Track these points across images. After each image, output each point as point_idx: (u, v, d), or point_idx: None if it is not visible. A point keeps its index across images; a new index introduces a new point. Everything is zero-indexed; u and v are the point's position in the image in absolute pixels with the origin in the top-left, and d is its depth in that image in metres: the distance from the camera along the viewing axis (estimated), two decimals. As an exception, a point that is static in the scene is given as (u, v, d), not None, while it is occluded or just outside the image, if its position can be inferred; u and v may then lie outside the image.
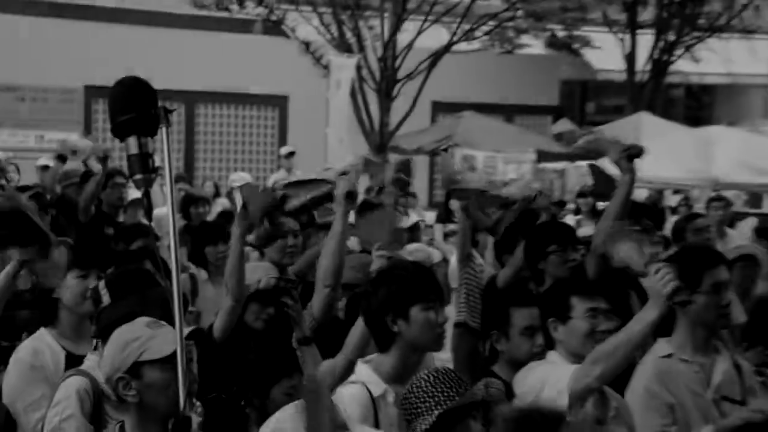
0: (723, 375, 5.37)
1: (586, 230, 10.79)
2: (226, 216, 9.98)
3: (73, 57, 21.41)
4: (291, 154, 19.21)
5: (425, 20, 22.69)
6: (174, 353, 3.87)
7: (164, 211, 4.03)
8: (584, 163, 16.68)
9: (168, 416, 4.08)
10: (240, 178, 15.41)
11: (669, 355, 5.36)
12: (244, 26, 24.79)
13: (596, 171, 15.68)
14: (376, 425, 4.51)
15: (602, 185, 12.02)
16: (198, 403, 4.54)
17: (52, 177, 10.50)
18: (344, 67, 20.01)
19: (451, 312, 8.37)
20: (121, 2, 26.44)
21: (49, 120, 21.46)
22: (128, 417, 4.11)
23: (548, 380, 4.83)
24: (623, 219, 6.93)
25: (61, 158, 9.75)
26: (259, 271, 6.32)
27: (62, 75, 21.68)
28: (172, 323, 3.93)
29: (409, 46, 22.50)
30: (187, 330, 3.87)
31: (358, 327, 5.06)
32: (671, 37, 27.31)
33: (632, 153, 6.47)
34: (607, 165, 14.85)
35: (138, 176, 3.52)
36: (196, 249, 7.81)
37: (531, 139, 21.18)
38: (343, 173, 6.94)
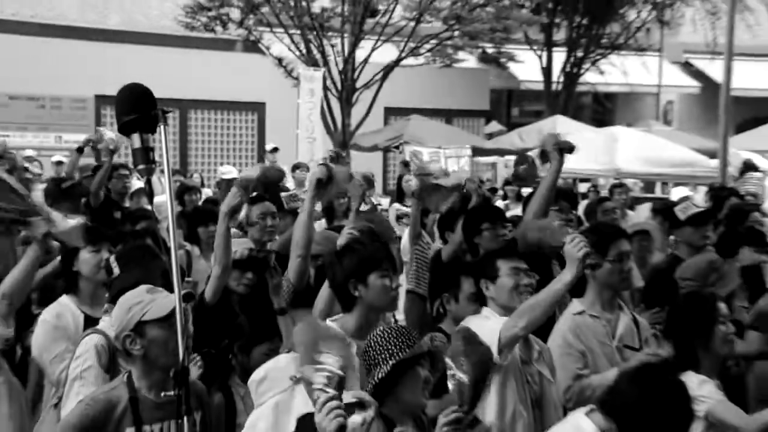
0: (624, 328, 5.50)
1: (513, 212, 10.80)
2: (213, 202, 9.97)
3: (85, 71, 21.38)
4: (275, 149, 19.13)
5: (378, 40, 22.69)
6: (170, 314, 3.94)
7: (163, 198, 3.97)
8: (512, 158, 16.75)
9: (169, 367, 4.06)
10: (228, 170, 15.41)
11: (581, 312, 5.45)
12: (227, 45, 24.76)
13: (523, 160, 15.67)
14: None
15: (528, 172, 11.99)
16: (197, 356, 4.57)
17: (72, 165, 10.37)
18: (312, 78, 20.05)
19: (403, 281, 8.41)
20: (126, 25, 26.59)
21: (65, 124, 21.49)
22: (135, 368, 4.14)
23: (480, 329, 4.89)
24: (550, 201, 7.06)
25: (80, 150, 9.64)
26: (237, 245, 6.34)
27: (76, 86, 21.70)
28: (171, 290, 3.89)
29: (365, 61, 22.52)
30: (176, 292, 3.82)
31: (325, 291, 5.26)
32: (580, 53, 27.59)
33: (563, 147, 6.42)
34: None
35: (141, 166, 3.53)
36: (190, 230, 7.79)
37: (467, 137, 21.34)
38: (322, 163, 7.05)
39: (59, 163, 15.73)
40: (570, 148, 6.78)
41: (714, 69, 26.75)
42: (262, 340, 5.55)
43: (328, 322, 4.85)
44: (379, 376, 3.96)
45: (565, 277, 4.79)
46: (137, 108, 3.65)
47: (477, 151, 19.84)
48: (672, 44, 30.40)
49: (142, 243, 6.16)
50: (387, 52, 22.76)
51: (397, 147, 20.51)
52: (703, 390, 4.57)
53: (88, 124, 20.99)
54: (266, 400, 3.96)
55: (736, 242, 7.34)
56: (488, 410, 4.81)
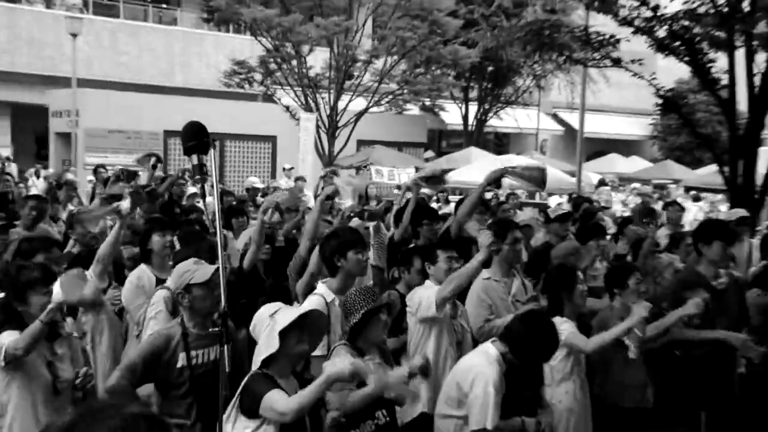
0: (516, 288, 5.56)
1: (443, 211, 10.79)
2: (241, 201, 9.94)
3: (157, 114, 21.11)
4: (291, 168, 19.10)
5: (353, 94, 22.55)
6: (209, 279, 4.02)
7: (210, 199, 3.94)
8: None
9: (209, 316, 4.10)
10: (253, 180, 15.24)
11: (488, 278, 5.47)
12: (252, 97, 24.46)
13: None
14: (329, 317, 4.47)
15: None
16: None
17: (149, 177, 10.25)
18: (308, 120, 20.05)
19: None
20: (185, 83, 26.63)
21: (144, 149, 21.18)
22: (185, 313, 4.11)
23: (424, 295, 4.89)
24: (476, 206, 7.04)
25: (154, 167, 9.53)
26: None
27: (151, 124, 21.37)
28: (214, 262, 4.05)
29: (344, 109, 22.34)
30: (216, 266, 3.84)
31: (315, 257, 5.24)
32: (486, 106, 27.43)
33: (438, 175, 6.44)
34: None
35: (198, 176, 3.51)
36: (226, 221, 7.61)
37: (412, 161, 21.27)
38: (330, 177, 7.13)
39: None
40: (503, 173, 6.85)
41: (572, 118, 27.01)
42: (277, 298, 5.45)
43: (319, 283, 4.93)
44: (354, 321, 3.99)
45: (478, 257, 4.86)
46: (195, 137, 3.65)
47: (418, 170, 19.92)
48: (545, 102, 30.49)
49: (193, 229, 6.15)
50: (359, 103, 22.60)
51: (365, 166, 20.51)
52: (564, 327, 4.67)
53: (159, 150, 20.93)
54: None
55: (587, 233, 7.39)
56: (428, 349, 4.82)
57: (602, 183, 21.07)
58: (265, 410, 3.44)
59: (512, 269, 5.63)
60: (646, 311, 4.70)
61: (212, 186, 3.75)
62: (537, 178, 7.28)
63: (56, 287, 4.05)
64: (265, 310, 3.72)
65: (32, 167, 20.54)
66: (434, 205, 11.06)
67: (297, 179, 16.58)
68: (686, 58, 11.02)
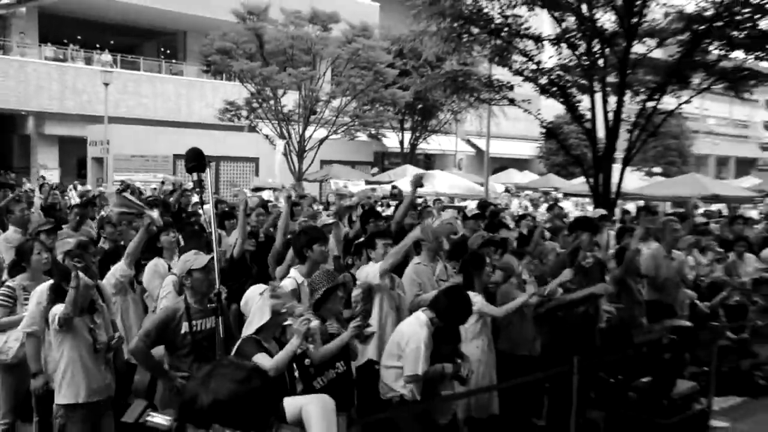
0: (439, 270, 5.45)
1: (388, 213, 10.74)
2: (232, 207, 9.79)
3: (167, 142, 21.04)
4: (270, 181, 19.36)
5: (317, 126, 22.38)
6: (204, 266, 3.94)
7: (208, 206, 3.90)
8: (387, 186, 16.80)
9: (206, 294, 3.99)
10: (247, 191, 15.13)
11: (418, 263, 5.38)
12: (239, 128, 24.16)
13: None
14: (300, 296, 4.36)
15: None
16: (224, 287, 4.38)
17: (160, 190, 10.07)
18: (282, 145, 20.03)
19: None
20: (188, 117, 26.55)
21: (158, 169, 21.08)
22: (188, 292, 4.01)
23: (369, 270, 4.81)
24: (409, 209, 6.96)
25: (162, 183, 9.47)
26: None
27: (164, 150, 21.24)
28: (209, 253, 3.88)
29: (310, 137, 22.15)
30: (210, 255, 3.83)
31: (291, 252, 5.07)
32: (417, 134, 27.45)
33: (417, 181, 6.40)
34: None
35: (198, 189, 3.50)
36: (220, 222, 7.45)
37: (362, 175, 21.29)
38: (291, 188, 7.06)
39: (154, 189, 15.18)
40: (420, 181, 6.75)
41: (481, 143, 27.14)
42: (261, 281, 5.38)
43: (292, 269, 4.79)
44: (317, 296, 3.93)
45: (406, 241, 4.87)
46: (196, 160, 3.63)
47: (367, 182, 19.94)
48: (461, 130, 30.42)
49: (194, 229, 5.96)
50: (321, 132, 22.48)
51: (326, 180, 20.44)
52: (476, 299, 4.64)
53: (169, 170, 20.80)
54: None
55: (494, 228, 7.39)
56: (374, 312, 4.74)
57: (507, 190, 21.33)
58: None
59: (437, 256, 5.57)
60: (535, 288, 4.79)
61: (209, 196, 3.73)
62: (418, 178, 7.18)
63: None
64: (254, 290, 3.70)
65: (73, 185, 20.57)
66: (379, 208, 11.06)
67: (274, 190, 16.42)
68: (561, 99, 11.24)
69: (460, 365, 4.23)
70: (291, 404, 2.34)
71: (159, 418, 2.37)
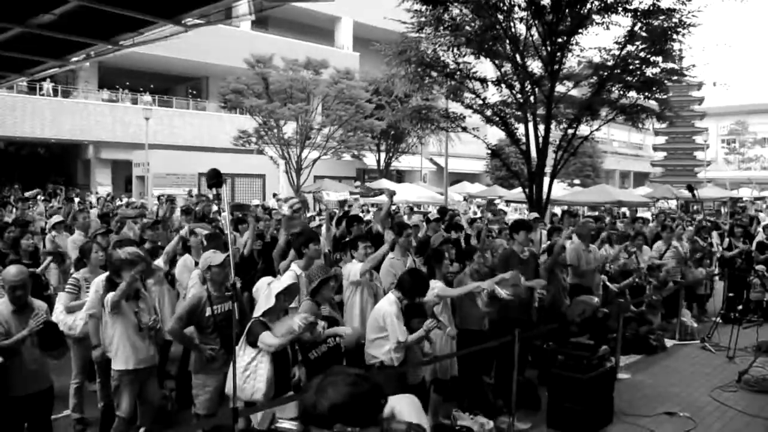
0: (409, 264, 5.28)
1: (368, 217, 10.64)
2: (243, 214, 9.63)
3: (194, 163, 20.85)
4: (275, 194, 18.89)
5: (311, 148, 22.20)
6: (222, 263, 3.84)
7: (225, 214, 3.84)
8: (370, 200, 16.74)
9: (223, 283, 3.91)
10: (255, 202, 14.95)
11: (393, 257, 5.25)
12: (249, 152, 23.74)
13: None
14: (298, 285, 4.19)
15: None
16: (238, 278, 4.29)
17: (188, 201, 9.78)
18: (283, 164, 19.95)
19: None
20: (209, 142, 26.25)
21: (188, 185, 20.77)
22: (209, 282, 3.94)
23: (352, 268, 4.74)
24: (388, 216, 6.88)
25: (190, 194, 9.24)
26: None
27: (191, 169, 21.07)
28: (225, 251, 3.80)
29: (306, 157, 22.00)
30: (227, 254, 3.75)
31: (292, 252, 4.90)
32: (390, 154, 27.40)
33: (391, 194, 6.31)
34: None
35: (216, 200, 3.43)
36: (235, 227, 7.32)
37: (346, 187, 21.11)
38: (296, 200, 6.89)
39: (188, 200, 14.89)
40: (393, 193, 6.61)
41: (441, 161, 27.03)
42: (267, 274, 5.18)
43: (293, 264, 4.66)
44: (313, 286, 3.86)
45: (383, 248, 4.79)
46: (215, 178, 3.54)
47: (351, 194, 19.82)
48: (425, 151, 30.38)
49: (214, 232, 5.79)
50: (314, 154, 22.28)
51: (319, 192, 20.32)
52: (437, 285, 4.53)
53: (194, 185, 20.52)
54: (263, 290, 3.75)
55: (454, 229, 7.36)
56: (356, 300, 4.73)
57: (466, 199, 21.30)
58: (260, 344, 3.39)
59: (407, 252, 5.48)
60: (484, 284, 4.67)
61: (225, 206, 3.67)
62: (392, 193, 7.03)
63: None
64: (263, 281, 3.69)
65: (119, 197, 20.62)
66: (361, 214, 11.02)
67: (278, 200, 16.23)
68: (502, 127, 11.30)
69: (433, 321, 4.05)
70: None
71: (287, 424, 2.31)
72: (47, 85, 24.61)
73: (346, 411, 1.34)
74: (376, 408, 1.40)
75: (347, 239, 5.87)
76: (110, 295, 3.83)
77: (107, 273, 4.11)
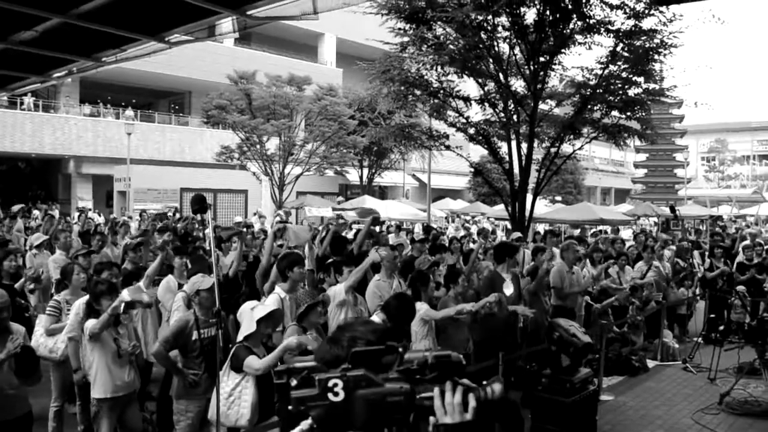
0: (395, 285, 5.33)
1: (350, 235, 10.62)
2: (220, 235, 9.50)
3: (176, 179, 20.84)
4: (256, 212, 18.79)
5: (294, 164, 22.21)
6: (211, 287, 3.81)
7: (208, 231, 3.87)
8: (353, 213, 16.70)
9: (210, 308, 3.91)
10: (237, 220, 14.82)
11: (378, 279, 5.28)
12: (232, 167, 23.85)
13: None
14: (283, 308, 4.27)
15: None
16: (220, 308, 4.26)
17: (171, 220, 9.58)
18: (265, 181, 19.83)
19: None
20: (193, 158, 26.36)
21: (168, 201, 20.78)
22: (196, 307, 3.93)
23: (337, 289, 4.75)
24: (366, 236, 6.83)
25: (174, 212, 9.13)
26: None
27: (172, 184, 20.99)
28: (211, 273, 3.80)
29: (288, 173, 21.97)
30: (214, 277, 3.73)
31: (275, 271, 4.94)
32: (373, 170, 27.45)
33: (375, 217, 6.35)
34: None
35: (200, 225, 3.46)
36: (218, 245, 7.27)
37: (329, 203, 21.12)
38: (282, 217, 6.88)
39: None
40: (378, 218, 6.63)
41: (424, 177, 27.18)
42: (251, 298, 5.14)
43: (276, 286, 4.66)
44: (300, 311, 3.87)
45: (365, 263, 4.85)
46: (199, 204, 3.62)
47: (334, 209, 19.80)
48: (408, 167, 30.28)
49: (199, 254, 5.77)
50: (297, 170, 22.28)
51: (301, 207, 20.29)
52: (423, 307, 4.62)
53: (176, 200, 20.48)
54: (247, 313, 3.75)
55: (438, 250, 7.33)
56: (337, 321, 4.72)
57: (446, 218, 21.45)
58: (246, 368, 3.40)
59: (393, 274, 5.50)
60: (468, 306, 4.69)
61: (209, 230, 3.70)
62: (374, 214, 7.03)
63: (124, 292, 3.91)
64: (247, 305, 3.71)
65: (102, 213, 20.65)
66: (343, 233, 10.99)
67: (260, 216, 16.19)
68: (485, 145, 11.43)
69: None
70: None
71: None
72: (28, 100, 24.65)
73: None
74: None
75: (331, 261, 5.92)
76: (90, 324, 3.81)
77: (88, 296, 4.10)
